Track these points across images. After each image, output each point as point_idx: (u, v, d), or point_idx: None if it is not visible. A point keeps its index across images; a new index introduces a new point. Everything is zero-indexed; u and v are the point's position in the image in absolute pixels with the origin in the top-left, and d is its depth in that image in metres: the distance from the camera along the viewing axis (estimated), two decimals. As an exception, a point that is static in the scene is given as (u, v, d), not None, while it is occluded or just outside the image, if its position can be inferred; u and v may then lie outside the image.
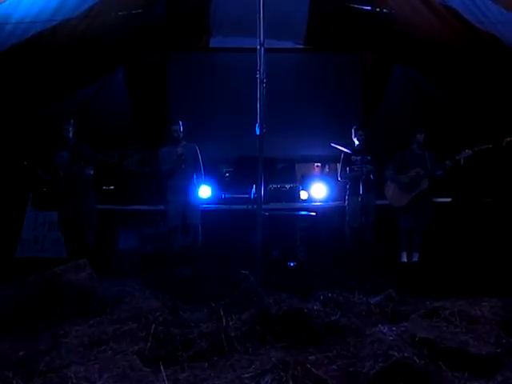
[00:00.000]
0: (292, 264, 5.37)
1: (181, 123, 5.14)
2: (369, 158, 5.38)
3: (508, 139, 5.11)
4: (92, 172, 4.99)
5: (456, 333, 2.65)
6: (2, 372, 2.17)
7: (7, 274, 3.75)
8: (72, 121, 4.99)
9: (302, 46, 6.82)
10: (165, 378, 2.15)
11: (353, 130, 5.54)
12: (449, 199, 5.96)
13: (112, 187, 6.35)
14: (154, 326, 2.68)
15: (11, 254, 5.80)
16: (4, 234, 5.81)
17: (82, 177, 4.83)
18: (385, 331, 2.57)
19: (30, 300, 3.14)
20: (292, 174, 7.29)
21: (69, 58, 5.37)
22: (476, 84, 5.61)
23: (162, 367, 2.27)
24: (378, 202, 5.47)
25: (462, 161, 5.02)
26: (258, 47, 4.13)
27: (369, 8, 5.47)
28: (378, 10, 5.37)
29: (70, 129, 4.92)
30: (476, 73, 5.40)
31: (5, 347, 2.53)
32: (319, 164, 7.70)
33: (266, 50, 4.16)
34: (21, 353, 2.41)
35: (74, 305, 3.15)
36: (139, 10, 5.49)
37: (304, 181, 6.71)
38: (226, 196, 6.05)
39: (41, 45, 4.81)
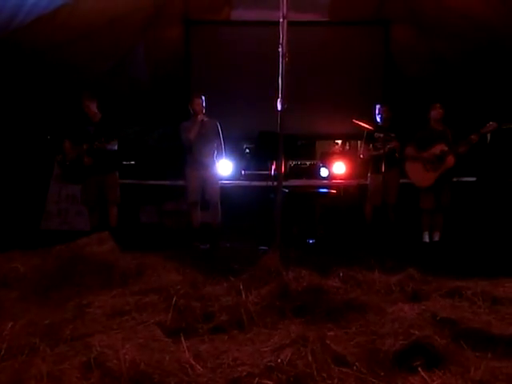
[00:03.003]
0: (311, 241, 5.37)
1: (203, 98, 5.10)
2: (392, 135, 5.26)
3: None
4: (116, 147, 5.03)
5: (479, 313, 2.61)
6: (29, 338, 2.24)
7: (33, 245, 3.84)
8: (95, 96, 4.99)
9: (325, 19, 6.62)
10: (186, 348, 2.18)
11: (376, 107, 5.42)
12: (473, 178, 5.82)
13: (133, 162, 6.41)
14: (174, 298, 2.71)
15: (36, 226, 5.96)
16: (29, 206, 5.96)
17: (105, 152, 4.88)
18: (405, 309, 2.55)
19: (55, 270, 3.22)
20: (312, 150, 7.22)
21: (91, 32, 5.36)
22: (505, 58, 5.39)
23: (182, 338, 2.30)
24: (402, 181, 5.37)
25: (488, 136, 4.83)
26: (281, 20, 4.02)
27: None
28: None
29: (94, 104, 4.94)
30: (506, 47, 5.18)
31: (32, 314, 2.61)
32: (340, 141, 7.60)
33: (289, 23, 4.05)
34: (47, 321, 2.48)
35: (97, 276, 3.21)
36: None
37: (324, 158, 6.63)
38: (246, 172, 6.04)
39: (62, 19, 4.80)
